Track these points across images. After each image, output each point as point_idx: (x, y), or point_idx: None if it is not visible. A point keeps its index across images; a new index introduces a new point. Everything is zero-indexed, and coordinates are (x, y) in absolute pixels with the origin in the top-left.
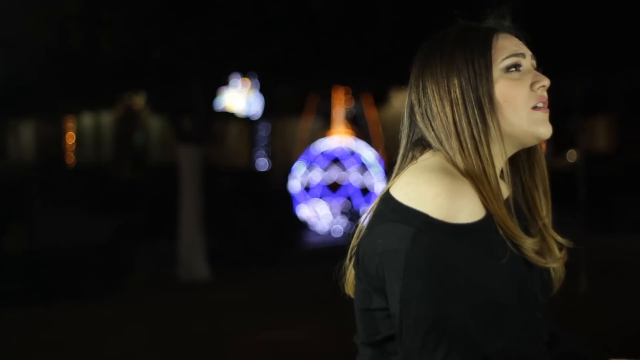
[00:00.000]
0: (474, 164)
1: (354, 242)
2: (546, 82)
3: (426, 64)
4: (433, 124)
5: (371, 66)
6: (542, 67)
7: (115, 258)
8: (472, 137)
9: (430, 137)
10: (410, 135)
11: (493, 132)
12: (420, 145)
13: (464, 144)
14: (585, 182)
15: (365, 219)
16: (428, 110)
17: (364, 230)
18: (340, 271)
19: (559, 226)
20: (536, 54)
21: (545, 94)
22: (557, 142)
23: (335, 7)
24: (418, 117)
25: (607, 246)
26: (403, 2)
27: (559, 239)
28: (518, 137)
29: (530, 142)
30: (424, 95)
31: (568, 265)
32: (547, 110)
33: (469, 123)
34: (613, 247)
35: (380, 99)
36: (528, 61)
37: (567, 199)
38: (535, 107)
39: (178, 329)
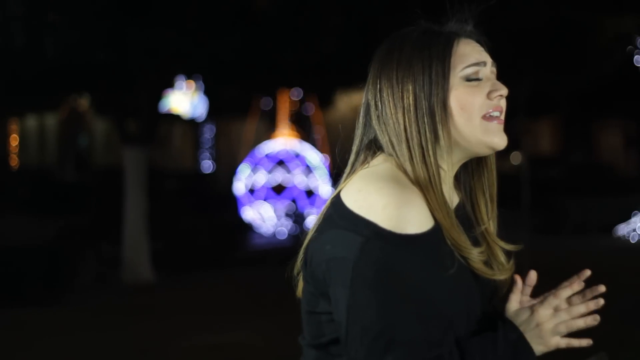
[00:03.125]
0: (421, 172)
1: (304, 243)
2: (504, 91)
3: (384, 66)
4: (387, 128)
5: (316, 68)
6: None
7: (58, 260)
8: (421, 145)
9: (383, 140)
10: (364, 135)
11: (442, 142)
12: (374, 146)
13: (412, 152)
14: (530, 185)
15: (315, 222)
16: (383, 113)
17: (313, 232)
18: (293, 271)
19: (503, 229)
20: None
21: (502, 103)
22: None
23: (281, 8)
24: (373, 119)
25: (552, 248)
26: (348, 4)
27: (503, 244)
28: (470, 147)
29: (483, 152)
30: (380, 98)
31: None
32: (502, 120)
33: (419, 132)
34: (557, 248)
35: (325, 101)
36: (488, 69)
37: (511, 202)
38: (490, 117)
39: (122, 332)
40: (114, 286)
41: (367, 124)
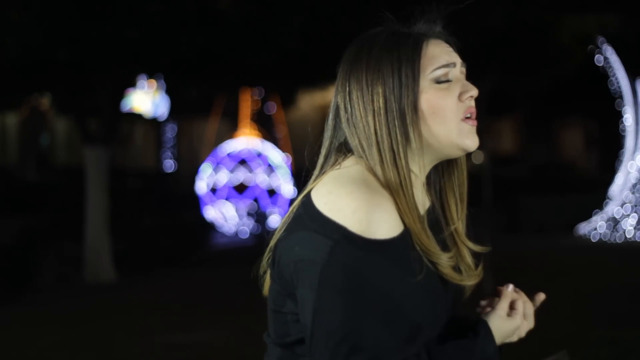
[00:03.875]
0: (392, 175)
1: (273, 241)
2: (474, 92)
3: (353, 68)
4: (357, 131)
5: (278, 67)
6: None
7: (20, 260)
8: (392, 149)
9: (353, 143)
10: (334, 137)
11: (414, 144)
12: (344, 149)
13: (383, 155)
14: (491, 183)
15: (284, 221)
16: (352, 116)
17: (282, 231)
18: (259, 271)
19: (471, 230)
20: None
21: (473, 104)
22: None
23: (243, 7)
24: (343, 122)
25: (513, 247)
26: (311, 3)
27: (471, 245)
28: (442, 149)
29: (455, 154)
30: (349, 101)
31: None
32: (475, 121)
33: (389, 134)
34: (518, 247)
35: (288, 101)
36: (458, 69)
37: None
38: (463, 119)
39: (83, 332)
40: (76, 286)
41: (337, 126)
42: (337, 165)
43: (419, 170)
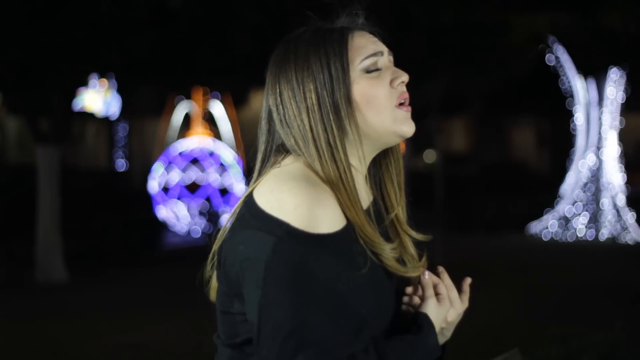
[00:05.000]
0: (331, 170)
1: (217, 243)
2: (405, 77)
3: (281, 69)
4: (291, 130)
5: (230, 67)
6: (399, 68)
7: None
8: (329, 143)
9: (289, 143)
10: (270, 140)
11: (351, 136)
12: (282, 150)
13: (320, 151)
14: (443, 183)
15: (228, 222)
16: (286, 116)
17: (226, 232)
18: (204, 275)
19: (416, 226)
20: (393, 55)
21: (405, 90)
22: (415, 143)
23: (195, 7)
24: (277, 123)
25: (464, 245)
26: (262, 2)
27: (413, 234)
28: (380, 138)
29: (393, 142)
30: (281, 102)
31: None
32: (409, 107)
33: (325, 130)
34: (470, 246)
35: (240, 100)
36: (385, 58)
37: (425, 199)
38: (398, 105)
39: (34, 332)
40: (27, 286)
41: (272, 129)
42: (277, 164)
43: (358, 163)
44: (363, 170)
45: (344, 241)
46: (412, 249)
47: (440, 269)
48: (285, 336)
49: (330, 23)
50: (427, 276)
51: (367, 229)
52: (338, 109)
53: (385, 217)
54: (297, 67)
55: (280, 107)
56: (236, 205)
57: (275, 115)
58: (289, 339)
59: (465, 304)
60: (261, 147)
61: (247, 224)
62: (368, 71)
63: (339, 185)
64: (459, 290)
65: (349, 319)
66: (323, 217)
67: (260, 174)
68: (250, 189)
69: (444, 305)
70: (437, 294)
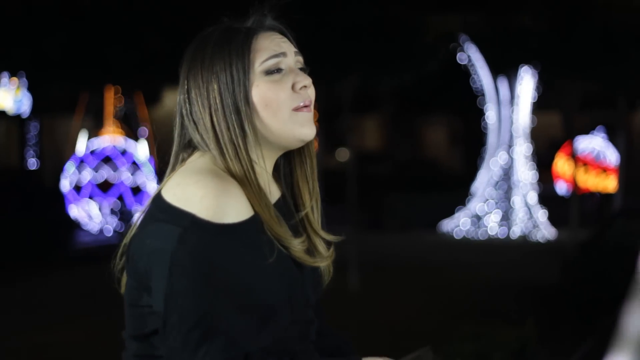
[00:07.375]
0: (235, 167)
1: (126, 240)
2: (307, 81)
3: (190, 68)
4: (198, 127)
5: (142, 65)
6: (311, 66)
7: None
8: (232, 142)
9: (195, 139)
10: (182, 136)
11: (250, 138)
12: (191, 146)
13: (224, 149)
14: (356, 181)
15: (138, 219)
16: (192, 114)
17: (135, 229)
18: (114, 270)
19: (329, 225)
20: (305, 54)
21: (310, 93)
22: (328, 141)
23: (107, 4)
24: (186, 120)
25: (377, 244)
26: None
27: (324, 235)
28: (279, 141)
29: (294, 145)
30: (188, 99)
31: (339, 263)
32: (311, 110)
33: (228, 128)
34: (383, 244)
35: (152, 98)
36: (291, 59)
37: (337, 198)
38: (297, 108)
39: None
40: None
41: (183, 125)
42: (184, 162)
43: (262, 161)
44: (268, 167)
45: (250, 231)
46: (320, 248)
47: None
48: (190, 326)
49: (241, 22)
50: None
51: (273, 224)
52: (238, 109)
53: (295, 214)
54: (203, 67)
55: (188, 104)
56: (145, 204)
57: (184, 112)
58: (194, 328)
59: None
60: (174, 143)
61: (155, 218)
62: (269, 73)
63: (243, 181)
64: None
65: (255, 308)
66: (229, 208)
67: (173, 169)
68: (159, 188)
69: None
70: None
